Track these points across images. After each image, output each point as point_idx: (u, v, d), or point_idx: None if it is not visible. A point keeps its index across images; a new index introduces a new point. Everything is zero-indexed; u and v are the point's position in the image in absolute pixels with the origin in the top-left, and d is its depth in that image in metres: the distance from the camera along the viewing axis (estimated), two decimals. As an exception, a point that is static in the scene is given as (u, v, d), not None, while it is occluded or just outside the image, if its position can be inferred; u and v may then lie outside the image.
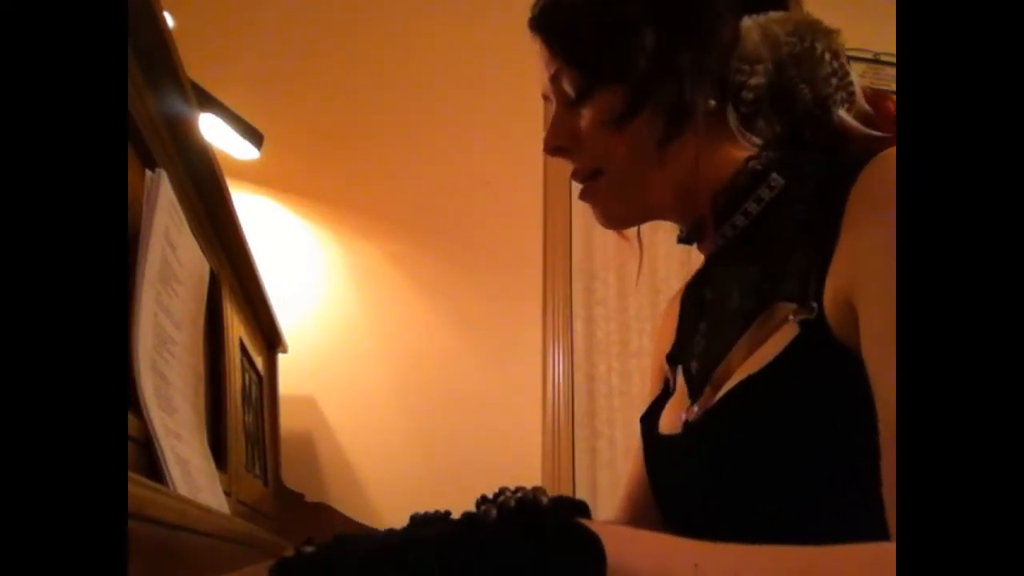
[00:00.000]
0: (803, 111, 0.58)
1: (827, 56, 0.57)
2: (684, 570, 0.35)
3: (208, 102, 1.60)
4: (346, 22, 2.18)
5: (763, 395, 0.52)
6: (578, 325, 2.09)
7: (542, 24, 0.65)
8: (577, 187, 0.67)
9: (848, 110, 0.58)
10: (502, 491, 0.38)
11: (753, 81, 0.57)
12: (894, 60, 2.05)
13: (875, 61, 2.10)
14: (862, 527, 0.40)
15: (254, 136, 1.79)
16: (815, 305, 0.49)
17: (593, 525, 0.36)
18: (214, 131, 1.68)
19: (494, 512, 0.35)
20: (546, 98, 0.68)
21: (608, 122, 0.61)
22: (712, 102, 0.58)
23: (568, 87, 0.64)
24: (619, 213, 0.67)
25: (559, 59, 0.63)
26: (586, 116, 0.63)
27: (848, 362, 0.46)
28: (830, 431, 0.48)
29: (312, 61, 2.13)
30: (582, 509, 0.40)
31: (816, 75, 0.57)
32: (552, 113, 0.67)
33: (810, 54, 0.57)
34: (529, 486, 0.38)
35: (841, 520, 0.46)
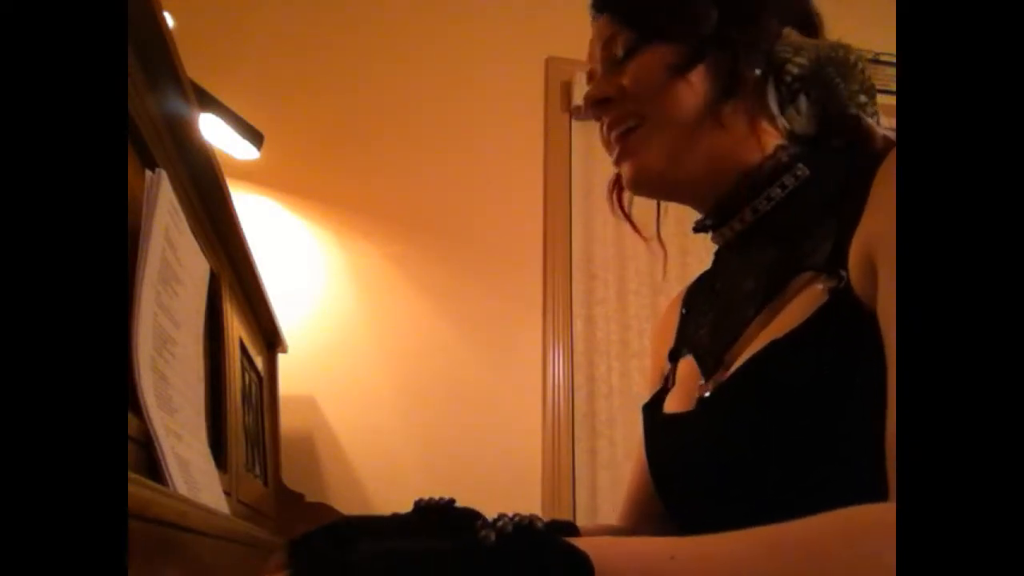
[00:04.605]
0: (839, 109, 0.62)
1: (860, 65, 0.62)
2: (662, 563, 0.39)
3: (208, 102, 1.60)
4: (346, 22, 2.18)
5: (790, 357, 0.53)
6: (578, 325, 2.09)
7: (610, 2, 0.68)
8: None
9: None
10: (500, 517, 0.40)
11: (797, 59, 0.61)
12: (894, 60, 2.04)
13: (875, 61, 2.09)
14: (867, 494, 0.41)
15: (254, 136, 1.79)
16: (843, 273, 0.51)
17: (579, 542, 0.39)
18: (214, 131, 1.68)
19: (492, 536, 0.38)
20: (591, 75, 0.71)
21: (664, 70, 0.63)
22: (757, 71, 0.62)
23: (619, 48, 0.66)
24: (656, 164, 0.66)
25: (618, 24, 0.67)
26: (632, 69, 0.65)
27: (874, 328, 0.48)
28: (851, 395, 0.49)
29: (312, 61, 2.13)
30: (573, 530, 0.43)
31: (851, 77, 0.62)
32: (597, 76, 0.70)
33: (845, 60, 0.62)
34: (526, 513, 0.41)
35: (849, 487, 0.46)
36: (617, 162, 0.68)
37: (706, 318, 0.70)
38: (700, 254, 2.05)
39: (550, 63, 2.27)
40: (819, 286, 0.54)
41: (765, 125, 0.63)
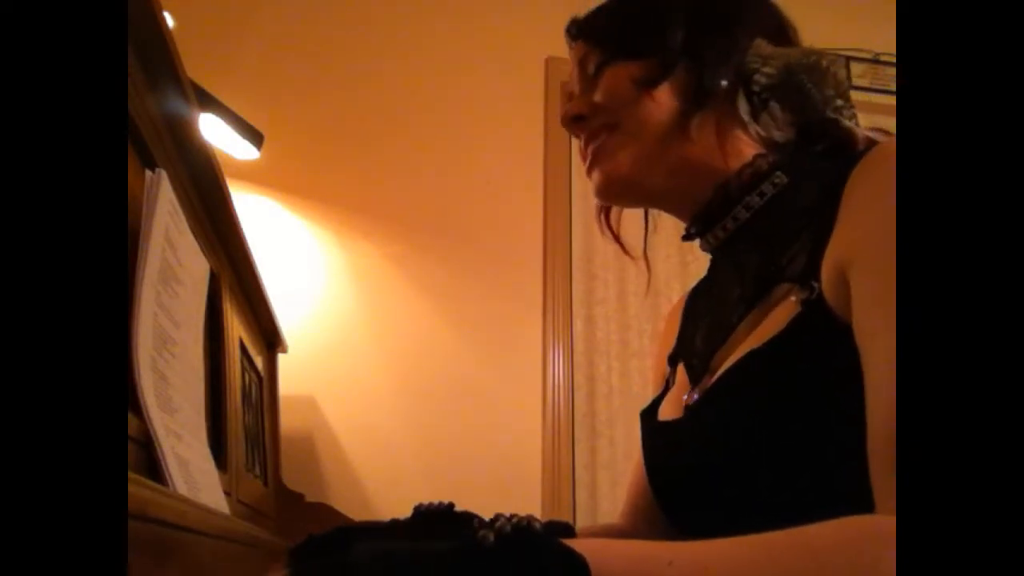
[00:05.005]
0: (815, 114, 0.62)
1: (832, 70, 0.62)
2: (660, 569, 0.38)
3: (208, 102, 1.60)
4: (346, 22, 2.18)
5: (765, 368, 0.54)
6: (578, 325, 2.09)
7: (583, 27, 0.70)
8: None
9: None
10: (497, 517, 0.40)
11: (766, 69, 0.62)
12: (894, 60, 2.04)
13: (875, 61, 2.09)
14: (859, 499, 0.41)
15: (254, 136, 1.79)
16: (815, 285, 0.52)
17: (575, 543, 0.39)
18: (214, 131, 1.68)
19: (491, 536, 0.38)
20: (570, 97, 0.72)
21: (631, 83, 0.64)
22: (724, 83, 0.63)
23: (591, 66, 0.68)
24: (621, 170, 0.66)
25: (589, 45, 0.68)
26: (602, 85, 0.66)
27: (848, 338, 0.49)
28: (830, 403, 0.50)
29: (312, 61, 2.13)
30: (569, 531, 0.45)
31: (824, 82, 0.62)
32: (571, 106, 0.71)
33: (816, 66, 0.62)
34: (523, 513, 0.41)
35: (839, 492, 0.47)
36: (588, 172, 0.70)
37: (703, 322, 0.70)
38: (699, 254, 2.05)
39: (550, 63, 2.27)
40: (794, 297, 0.55)
41: (740, 134, 0.64)
